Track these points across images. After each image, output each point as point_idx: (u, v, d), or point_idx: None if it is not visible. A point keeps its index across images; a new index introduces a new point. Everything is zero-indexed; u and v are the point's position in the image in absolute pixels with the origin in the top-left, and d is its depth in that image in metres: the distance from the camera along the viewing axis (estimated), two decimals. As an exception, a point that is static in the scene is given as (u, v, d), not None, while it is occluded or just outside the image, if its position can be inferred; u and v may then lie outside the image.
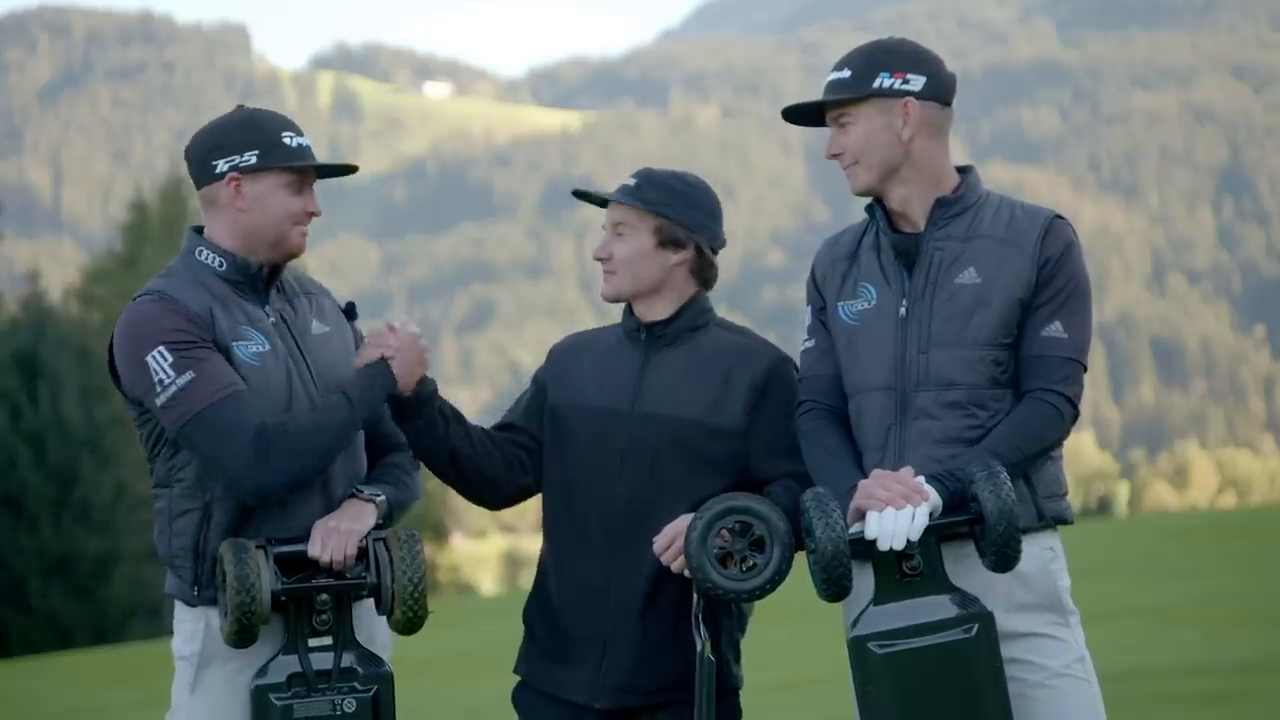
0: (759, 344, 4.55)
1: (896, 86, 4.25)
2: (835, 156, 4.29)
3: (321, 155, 4.53)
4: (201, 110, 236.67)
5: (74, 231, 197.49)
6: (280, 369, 4.30)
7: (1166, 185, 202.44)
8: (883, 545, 4.01)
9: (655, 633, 4.42)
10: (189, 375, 4.17)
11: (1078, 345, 4.21)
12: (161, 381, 4.19)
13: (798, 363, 4.46)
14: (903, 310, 4.23)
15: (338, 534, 4.22)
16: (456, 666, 15.20)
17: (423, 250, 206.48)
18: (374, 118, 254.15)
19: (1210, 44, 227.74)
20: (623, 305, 4.58)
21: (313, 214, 4.40)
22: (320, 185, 4.53)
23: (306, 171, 4.39)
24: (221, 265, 4.34)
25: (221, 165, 4.33)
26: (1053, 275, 4.20)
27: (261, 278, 4.36)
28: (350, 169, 4.52)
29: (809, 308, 4.40)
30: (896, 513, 4.00)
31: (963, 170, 4.34)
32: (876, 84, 4.24)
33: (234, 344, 4.26)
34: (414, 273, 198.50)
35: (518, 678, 4.60)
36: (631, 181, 4.52)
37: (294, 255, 4.41)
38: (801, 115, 4.37)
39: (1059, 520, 4.24)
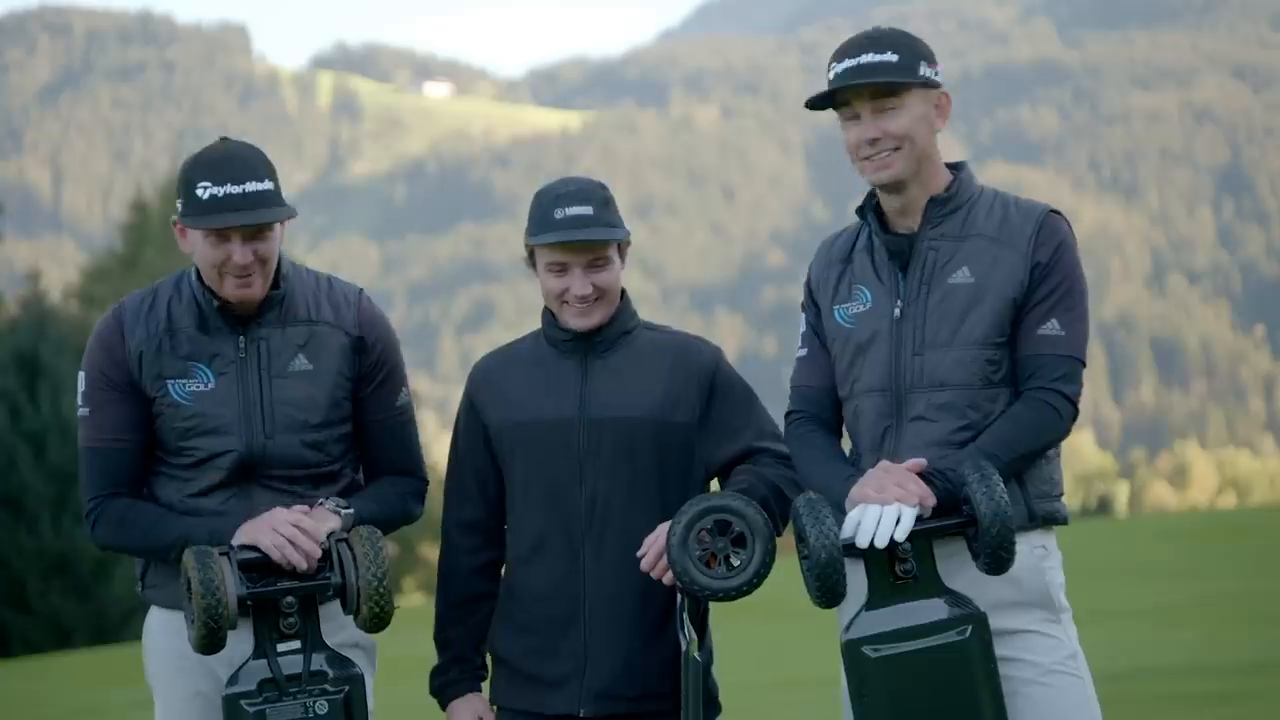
0: (694, 339, 4.56)
1: (933, 77, 4.23)
2: (873, 142, 4.19)
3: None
4: (201, 110, 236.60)
5: (74, 231, 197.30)
6: (224, 404, 4.38)
7: (1166, 185, 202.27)
8: (861, 542, 3.99)
9: (633, 635, 4.41)
10: (86, 410, 4.44)
11: (1075, 343, 4.17)
12: (79, 401, 4.47)
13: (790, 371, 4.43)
14: (897, 311, 4.21)
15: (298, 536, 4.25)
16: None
17: (423, 250, 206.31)
18: (374, 118, 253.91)
19: (1210, 44, 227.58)
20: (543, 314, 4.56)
21: (242, 264, 4.32)
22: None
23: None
24: (201, 299, 4.42)
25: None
26: (1047, 273, 4.16)
27: (230, 313, 4.40)
28: (271, 215, 4.33)
29: (804, 316, 4.37)
30: (880, 512, 3.99)
31: (955, 167, 4.30)
32: (922, 72, 4.20)
33: (170, 381, 4.39)
34: (414, 273, 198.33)
35: None
36: (587, 210, 4.40)
37: (241, 302, 4.38)
38: (821, 97, 4.27)
39: (1051, 520, 4.21)
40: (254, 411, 4.38)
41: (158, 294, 4.47)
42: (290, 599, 4.20)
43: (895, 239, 4.24)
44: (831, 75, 4.23)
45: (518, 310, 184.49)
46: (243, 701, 4.16)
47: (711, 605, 4.41)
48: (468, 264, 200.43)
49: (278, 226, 4.39)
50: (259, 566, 4.23)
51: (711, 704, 4.49)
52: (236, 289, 4.35)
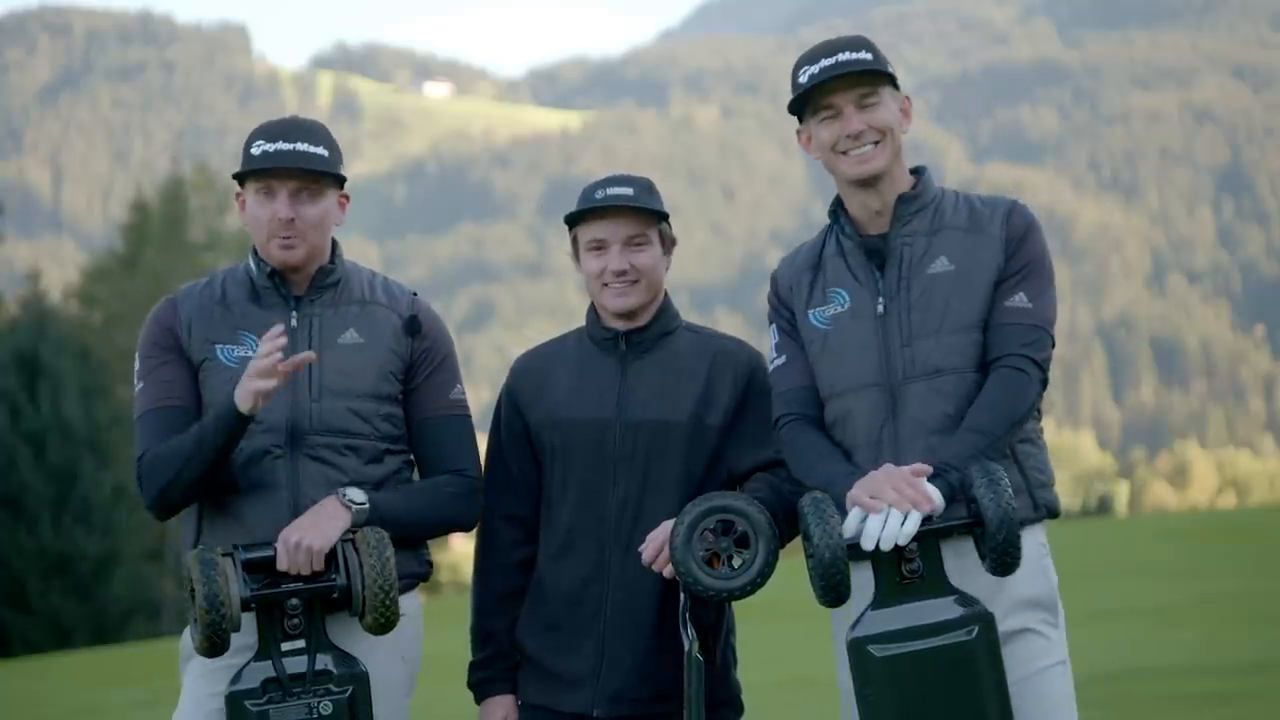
0: (733, 343, 4.57)
1: (898, 79, 4.33)
2: (857, 135, 4.24)
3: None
4: (201, 110, 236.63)
5: (74, 231, 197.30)
6: None
7: (1166, 185, 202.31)
8: (866, 545, 3.99)
9: (650, 638, 4.41)
10: (142, 383, 4.44)
11: (1042, 314, 4.23)
12: (135, 380, 4.48)
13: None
14: (880, 307, 4.24)
15: (302, 548, 4.22)
16: (456, 666, 15.18)
17: (423, 250, 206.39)
18: (374, 118, 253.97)
19: (1210, 44, 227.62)
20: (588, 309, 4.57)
21: (283, 219, 4.35)
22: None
23: (276, 176, 4.37)
24: (255, 271, 4.45)
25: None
26: (1015, 252, 4.25)
27: (283, 283, 4.43)
28: (310, 164, 4.38)
29: (773, 327, 4.39)
30: (885, 518, 3.99)
31: (916, 171, 4.39)
32: (890, 71, 4.30)
33: (218, 346, 4.40)
34: (414, 273, 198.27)
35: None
36: (627, 190, 4.47)
37: (287, 266, 4.41)
38: (799, 99, 4.32)
39: (1050, 511, 4.24)
40: (301, 377, 4.36)
41: (215, 276, 4.53)
42: (294, 600, 4.19)
43: (869, 239, 4.30)
44: (806, 78, 4.27)
45: (518, 310, 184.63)
46: (246, 701, 4.14)
47: (731, 608, 4.42)
48: (467, 264, 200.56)
49: (329, 197, 4.43)
50: (264, 566, 4.21)
51: (733, 704, 4.50)
52: (280, 250, 4.38)
